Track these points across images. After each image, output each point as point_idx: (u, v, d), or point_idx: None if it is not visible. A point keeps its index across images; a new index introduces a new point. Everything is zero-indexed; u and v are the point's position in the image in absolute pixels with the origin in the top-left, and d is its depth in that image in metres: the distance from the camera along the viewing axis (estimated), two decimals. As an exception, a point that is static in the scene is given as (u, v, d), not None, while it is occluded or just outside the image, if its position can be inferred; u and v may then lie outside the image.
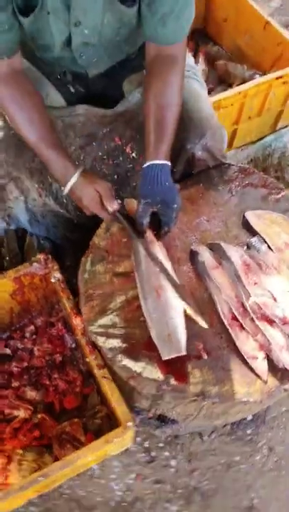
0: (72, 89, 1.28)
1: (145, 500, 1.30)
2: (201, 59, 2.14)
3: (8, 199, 1.32)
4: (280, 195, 1.21)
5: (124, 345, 1.00)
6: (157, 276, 1.03)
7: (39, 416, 1.33)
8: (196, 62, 2.11)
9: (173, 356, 0.95)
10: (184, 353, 0.95)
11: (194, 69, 1.32)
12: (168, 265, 1.05)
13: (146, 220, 1.07)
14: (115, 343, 1.01)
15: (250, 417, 1.41)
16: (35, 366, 1.42)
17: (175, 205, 1.05)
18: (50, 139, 1.09)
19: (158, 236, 1.11)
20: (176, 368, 0.96)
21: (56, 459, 1.22)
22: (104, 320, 1.05)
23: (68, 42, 1.04)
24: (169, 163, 1.06)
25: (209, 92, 1.97)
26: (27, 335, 1.47)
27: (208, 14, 2.24)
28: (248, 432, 1.39)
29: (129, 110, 1.27)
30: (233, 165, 1.27)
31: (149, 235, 1.09)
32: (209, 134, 1.21)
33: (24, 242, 1.66)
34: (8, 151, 1.23)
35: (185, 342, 0.96)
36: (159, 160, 1.04)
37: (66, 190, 1.10)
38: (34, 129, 1.08)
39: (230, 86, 1.97)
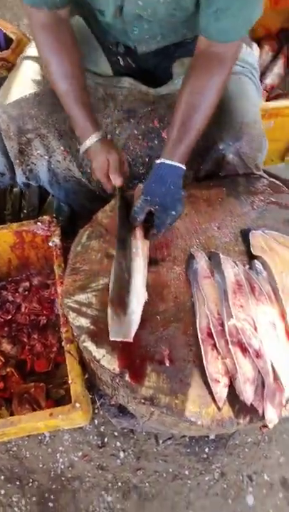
0: (121, 62, 1.23)
1: (84, 481, 1.30)
2: (280, 61, 2.00)
3: (31, 155, 1.31)
4: (303, 222, 1.12)
5: (91, 327, 0.98)
6: (140, 263, 1.01)
7: (8, 369, 1.35)
8: (275, 63, 1.99)
9: (119, 340, 0.91)
10: (130, 340, 0.91)
11: (253, 68, 1.23)
12: (142, 262, 1.01)
13: (140, 217, 1.02)
14: (84, 322, 0.98)
15: (212, 436, 1.36)
16: (18, 322, 1.43)
17: (173, 212, 1.00)
18: (79, 95, 1.07)
19: (146, 235, 1.06)
20: (134, 365, 0.93)
21: (11, 415, 1.24)
22: (82, 297, 1.02)
23: (121, 10, 1.00)
24: (182, 167, 1.01)
25: (277, 98, 1.86)
26: (20, 290, 1.49)
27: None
28: (206, 450, 1.34)
29: (173, 94, 1.21)
30: (264, 178, 1.19)
31: (138, 231, 1.05)
32: (246, 139, 1.13)
33: (45, 201, 1.67)
34: (41, 107, 1.21)
35: (135, 331, 0.92)
36: (173, 161, 0.99)
37: (81, 150, 1.11)
38: (66, 80, 1.06)
39: (303, 97, 1.84)
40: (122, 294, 0.97)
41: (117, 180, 1.07)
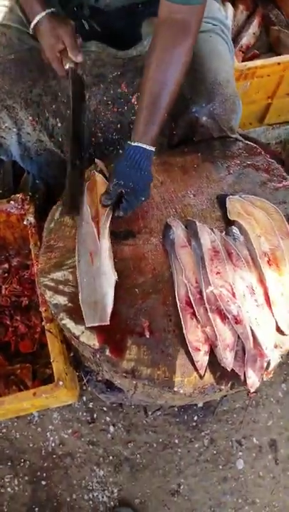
0: (86, 26, 1.17)
1: (75, 457, 1.31)
2: (255, 21, 1.93)
3: None
4: (281, 184, 1.09)
5: (69, 304, 0.95)
6: (94, 240, 0.97)
7: (-9, 352, 1.34)
8: (250, 23, 1.92)
9: (96, 325, 0.90)
10: (107, 323, 0.90)
11: (224, 26, 1.17)
12: (107, 244, 0.98)
13: (113, 199, 0.99)
14: (61, 300, 0.96)
15: (200, 404, 1.37)
16: (0, 304, 1.41)
17: (142, 198, 0.99)
18: None
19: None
20: (114, 340, 0.91)
21: (-1, 397, 1.23)
22: (58, 275, 1.00)
23: None
24: (152, 149, 0.98)
25: (252, 58, 1.80)
26: (-1, 272, 1.45)
27: (275, -28, 2.00)
28: (195, 418, 1.36)
29: (142, 56, 1.16)
30: (239, 140, 1.15)
31: (106, 212, 1.01)
32: (219, 100, 1.09)
33: (20, 178, 1.62)
34: (4, 76, 1.15)
35: (110, 313, 0.90)
36: (147, 145, 0.96)
37: (31, 28, 1.05)
38: None
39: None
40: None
41: (78, 56, 1.03)
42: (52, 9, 1.03)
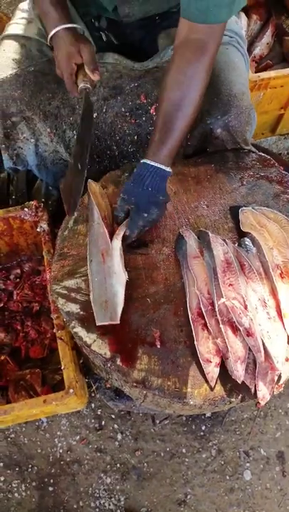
0: (104, 38, 1.19)
1: (83, 464, 1.31)
2: (269, 31, 1.94)
3: (18, 139, 1.28)
4: (294, 197, 1.10)
5: (81, 312, 0.96)
6: (105, 240, 0.99)
7: (2, 357, 1.35)
8: (263, 33, 1.93)
9: (106, 323, 0.91)
10: (117, 322, 0.91)
11: (240, 37, 1.18)
12: (118, 244, 0.99)
13: (121, 215, 1.00)
14: (74, 308, 0.97)
15: (208, 414, 1.37)
16: (11, 309, 1.42)
17: (145, 214, 0.97)
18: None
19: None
20: (125, 349, 0.92)
21: (8, 403, 1.24)
22: (71, 282, 1.00)
23: None
24: (166, 169, 0.97)
25: (266, 68, 1.81)
26: (11, 277, 1.47)
27: (290, -19, 2.01)
28: (203, 428, 1.35)
29: (160, 67, 1.17)
30: (253, 152, 1.16)
31: (98, 225, 1.02)
32: (234, 112, 1.09)
33: (34, 185, 1.63)
34: (24, 88, 1.17)
35: (120, 312, 0.92)
36: (156, 162, 0.96)
37: (48, 38, 1.04)
38: None
39: (291, 67, 1.78)
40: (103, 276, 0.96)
41: (95, 73, 1.00)
42: (74, 25, 1.03)
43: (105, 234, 1.00)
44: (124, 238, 0.99)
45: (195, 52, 0.94)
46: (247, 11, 1.95)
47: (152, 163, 0.96)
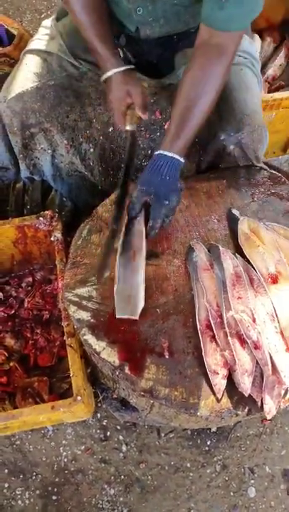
0: (122, 54, 1.23)
1: (87, 474, 1.31)
2: (282, 53, 1.99)
3: (35, 149, 1.32)
4: (304, 214, 1.11)
5: (92, 320, 0.98)
6: (142, 239, 1.02)
7: (11, 364, 1.36)
8: (276, 55, 1.98)
9: (125, 317, 0.94)
10: (136, 318, 0.94)
11: (254, 59, 1.22)
12: (142, 242, 1.02)
13: (137, 206, 1.03)
14: (85, 315, 0.99)
15: (214, 429, 1.36)
16: (22, 317, 1.44)
17: (166, 202, 1.00)
18: (102, 29, 1.08)
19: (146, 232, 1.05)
20: (134, 358, 0.93)
21: (15, 409, 1.25)
22: (82, 290, 1.03)
23: None
24: (180, 159, 1.01)
25: (278, 89, 1.85)
26: (23, 285, 1.49)
27: (304, 6, 2.07)
28: (208, 442, 1.35)
29: (175, 85, 1.21)
30: (264, 169, 1.18)
31: (138, 223, 1.05)
32: (247, 130, 1.12)
33: (48, 195, 1.67)
34: (44, 101, 1.21)
35: (140, 310, 0.95)
36: (171, 153, 0.99)
37: (102, 78, 1.11)
38: (86, 10, 1.07)
39: (304, 88, 1.82)
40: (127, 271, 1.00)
41: (144, 114, 1.08)
42: (127, 67, 1.09)
43: (143, 233, 1.03)
44: (148, 232, 1.03)
45: (216, 53, 0.98)
46: (261, 33, 2.00)
47: (169, 154, 0.99)
